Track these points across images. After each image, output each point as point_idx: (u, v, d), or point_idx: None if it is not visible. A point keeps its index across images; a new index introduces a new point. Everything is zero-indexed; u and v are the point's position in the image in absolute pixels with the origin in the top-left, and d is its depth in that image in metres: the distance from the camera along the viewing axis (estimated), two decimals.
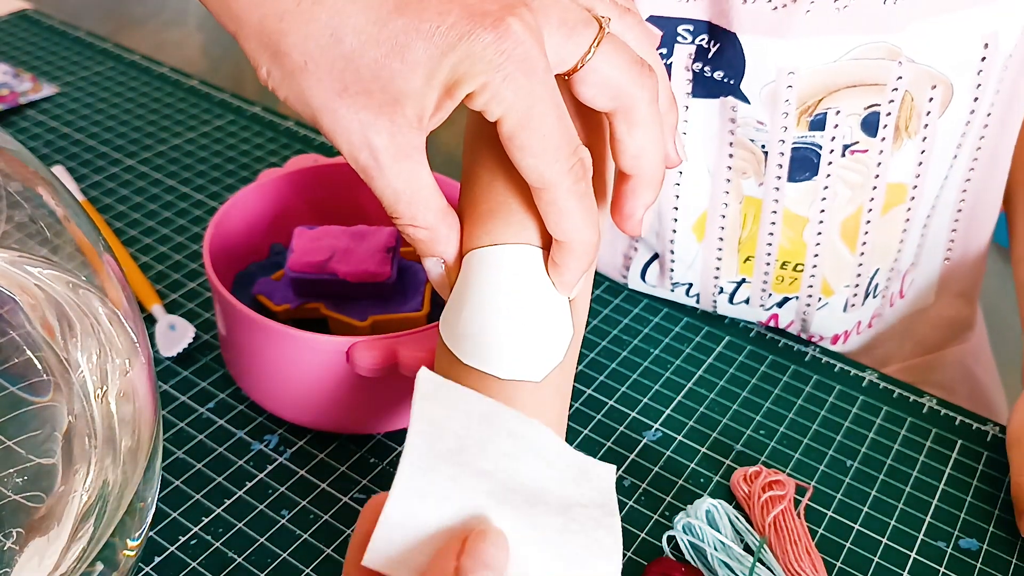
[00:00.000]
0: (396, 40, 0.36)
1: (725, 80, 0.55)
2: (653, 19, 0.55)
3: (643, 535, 0.51)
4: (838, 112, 0.55)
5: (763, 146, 0.56)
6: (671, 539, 0.50)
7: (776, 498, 0.51)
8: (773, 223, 0.59)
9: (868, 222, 0.59)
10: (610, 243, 0.67)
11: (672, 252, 0.63)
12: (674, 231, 0.62)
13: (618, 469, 0.55)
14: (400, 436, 0.56)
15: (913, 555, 0.51)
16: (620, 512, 0.52)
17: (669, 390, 0.60)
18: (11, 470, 0.35)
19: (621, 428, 0.57)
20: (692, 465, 0.55)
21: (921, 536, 0.52)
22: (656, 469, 0.55)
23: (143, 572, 0.48)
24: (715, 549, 0.48)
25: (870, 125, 0.55)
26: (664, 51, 0.56)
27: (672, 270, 0.64)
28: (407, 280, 0.57)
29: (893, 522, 0.53)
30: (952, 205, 0.64)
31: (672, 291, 0.65)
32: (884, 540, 0.52)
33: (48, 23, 1.00)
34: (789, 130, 0.55)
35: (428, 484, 0.31)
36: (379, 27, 0.36)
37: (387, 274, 0.55)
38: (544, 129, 0.36)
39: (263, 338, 0.51)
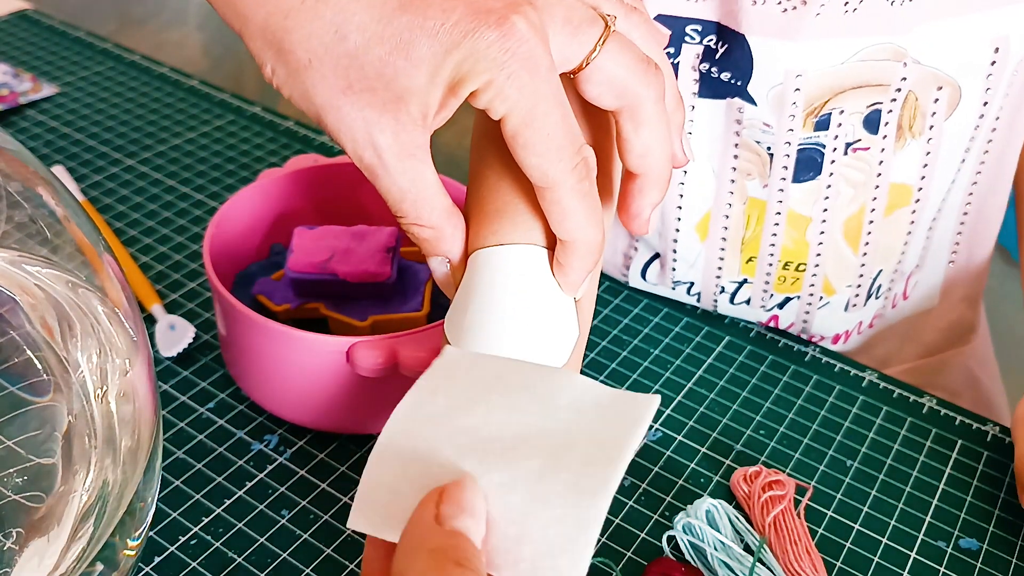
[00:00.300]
0: (400, 37, 0.36)
1: (732, 81, 0.55)
2: (661, 18, 0.55)
3: (643, 535, 0.51)
4: (842, 112, 0.55)
5: (768, 148, 0.56)
6: (671, 539, 0.50)
7: (776, 498, 0.51)
8: (777, 224, 0.59)
9: (871, 222, 0.59)
10: (611, 242, 0.67)
11: (674, 251, 0.63)
12: (677, 230, 0.62)
13: None
14: None
15: (913, 555, 0.51)
16: (620, 512, 0.52)
17: (669, 390, 0.60)
18: (11, 470, 0.35)
19: None
20: (692, 465, 0.55)
21: (921, 536, 0.52)
22: (656, 469, 0.55)
23: (143, 572, 0.48)
24: (715, 549, 0.48)
25: (872, 123, 0.55)
26: (671, 50, 0.55)
27: (674, 269, 0.64)
28: (407, 280, 0.57)
29: (893, 522, 0.53)
30: (958, 208, 0.64)
31: (673, 289, 0.65)
32: (884, 540, 0.52)
33: (48, 23, 1.00)
34: (795, 132, 0.55)
35: (403, 446, 0.32)
36: (383, 24, 0.36)
37: (387, 274, 0.55)
38: (548, 128, 0.36)
39: (263, 338, 0.51)
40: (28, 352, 0.36)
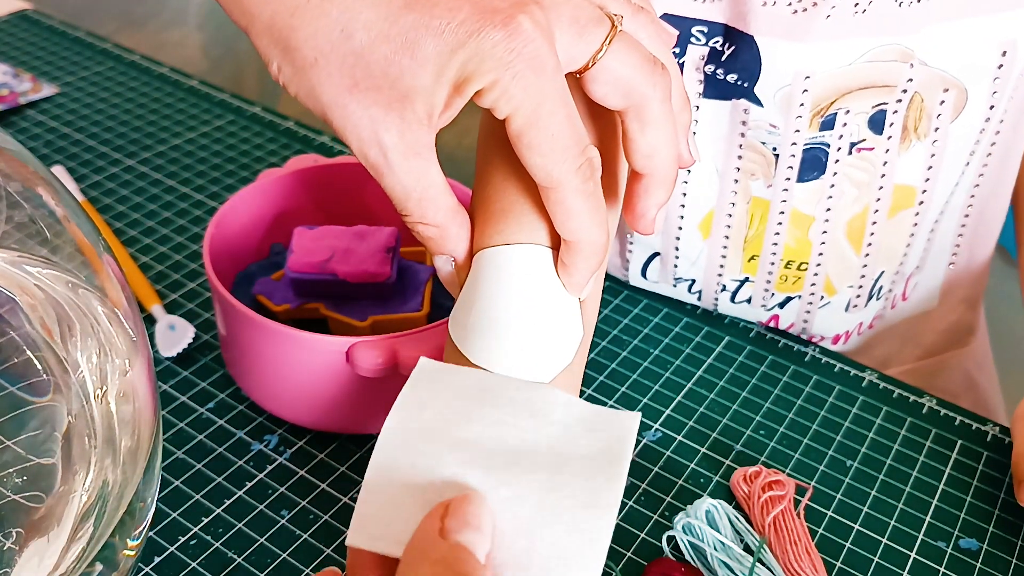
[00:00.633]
0: (406, 36, 0.36)
1: (738, 83, 0.55)
2: (667, 17, 0.54)
3: (643, 535, 0.51)
4: (847, 112, 0.55)
5: (774, 148, 0.56)
6: (671, 539, 0.50)
7: (776, 498, 0.51)
8: (780, 223, 0.59)
9: (874, 223, 0.59)
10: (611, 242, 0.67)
11: (676, 249, 0.63)
12: (680, 228, 0.62)
13: None
14: None
15: (913, 555, 0.51)
16: (620, 512, 0.52)
17: (669, 390, 0.60)
18: (11, 470, 0.35)
19: None
20: (692, 465, 0.55)
21: (921, 536, 0.52)
22: (656, 469, 0.55)
23: (143, 572, 0.48)
24: (715, 549, 0.48)
25: (877, 123, 0.55)
26: (676, 50, 0.55)
27: (676, 266, 0.64)
28: (407, 280, 0.57)
29: (893, 522, 0.53)
30: (960, 210, 0.64)
31: (674, 287, 0.65)
32: (884, 540, 0.52)
33: (48, 23, 1.00)
34: (801, 132, 0.55)
35: (401, 460, 0.32)
36: (389, 23, 0.36)
37: (387, 274, 0.55)
38: (552, 128, 0.36)
39: (263, 338, 0.51)
40: (28, 352, 0.36)
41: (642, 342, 0.64)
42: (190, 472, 0.53)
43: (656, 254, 0.65)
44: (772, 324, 0.65)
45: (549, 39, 0.36)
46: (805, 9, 0.51)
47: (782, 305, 0.63)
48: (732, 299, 0.64)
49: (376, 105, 0.36)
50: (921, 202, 0.59)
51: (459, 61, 0.35)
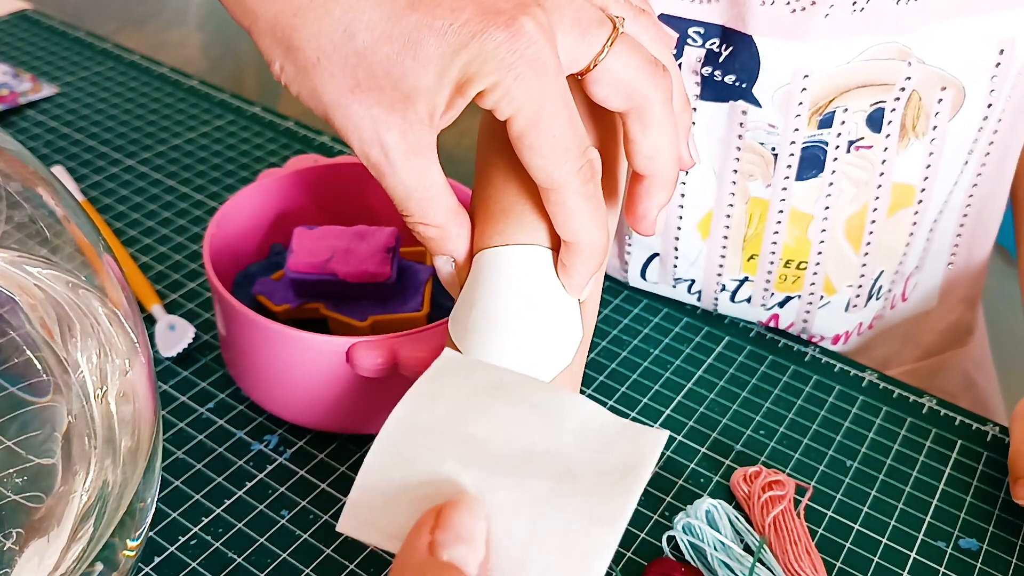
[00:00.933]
0: (409, 37, 0.36)
1: (736, 84, 0.55)
2: (663, 18, 0.54)
3: (643, 535, 0.51)
4: (846, 110, 0.55)
5: (773, 148, 0.56)
6: (671, 539, 0.50)
7: (776, 498, 0.51)
8: (779, 222, 0.59)
9: (873, 222, 0.59)
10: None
11: (676, 249, 0.63)
12: (679, 228, 0.62)
13: None
14: None
15: (913, 555, 0.51)
16: None
17: (669, 390, 0.60)
18: (11, 470, 0.35)
19: None
20: (692, 465, 0.55)
21: (921, 536, 0.52)
22: (656, 469, 0.55)
23: (143, 572, 0.48)
24: (715, 549, 0.48)
25: (875, 121, 0.55)
26: (674, 52, 0.55)
27: (675, 266, 0.64)
28: (407, 280, 0.57)
29: (893, 522, 0.53)
30: (958, 210, 0.64)
31: (674, 287, 0.65)
32: (884, 540, 0.52)
33: (48, 23, 1.00)
34: (800, 131, 0.55)
35: (403, 451, 0.31)
36: (392, 23, 0.36)
37: (387, 274, 0.55)
38: (554, 129, 0.36)
39: (263, 338, 0.51)
40: (28, 352, 0.36)
41: (642, 342, 0.64)
42: (190, 472, 0.53)
43: (655, 255, 0.65)
44: (772, 324, 0.65)
45: (551, 41, 0.36)
46: (804, 8, 0.51)
47: (782, 305, 0.63)
48: (732, 299, 0.64)
49: (378, 105, 0.37)
50: (920, 201, 0.59)
51: (461, 62, 0.35)
